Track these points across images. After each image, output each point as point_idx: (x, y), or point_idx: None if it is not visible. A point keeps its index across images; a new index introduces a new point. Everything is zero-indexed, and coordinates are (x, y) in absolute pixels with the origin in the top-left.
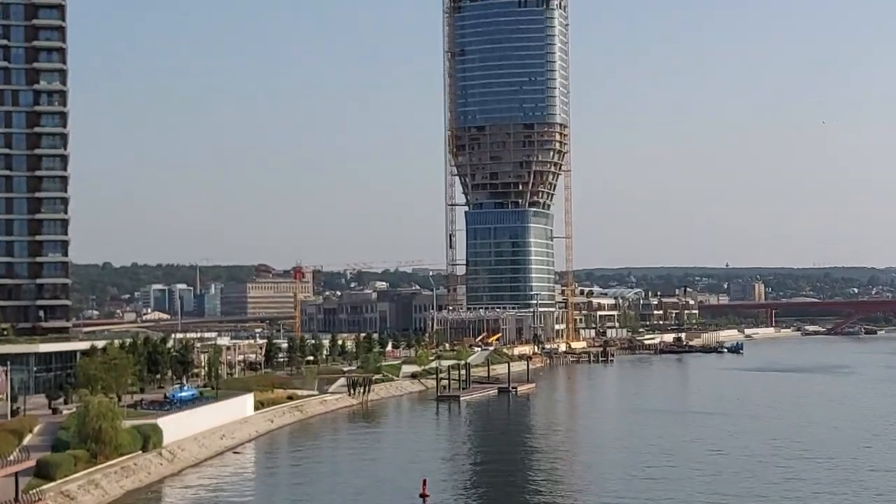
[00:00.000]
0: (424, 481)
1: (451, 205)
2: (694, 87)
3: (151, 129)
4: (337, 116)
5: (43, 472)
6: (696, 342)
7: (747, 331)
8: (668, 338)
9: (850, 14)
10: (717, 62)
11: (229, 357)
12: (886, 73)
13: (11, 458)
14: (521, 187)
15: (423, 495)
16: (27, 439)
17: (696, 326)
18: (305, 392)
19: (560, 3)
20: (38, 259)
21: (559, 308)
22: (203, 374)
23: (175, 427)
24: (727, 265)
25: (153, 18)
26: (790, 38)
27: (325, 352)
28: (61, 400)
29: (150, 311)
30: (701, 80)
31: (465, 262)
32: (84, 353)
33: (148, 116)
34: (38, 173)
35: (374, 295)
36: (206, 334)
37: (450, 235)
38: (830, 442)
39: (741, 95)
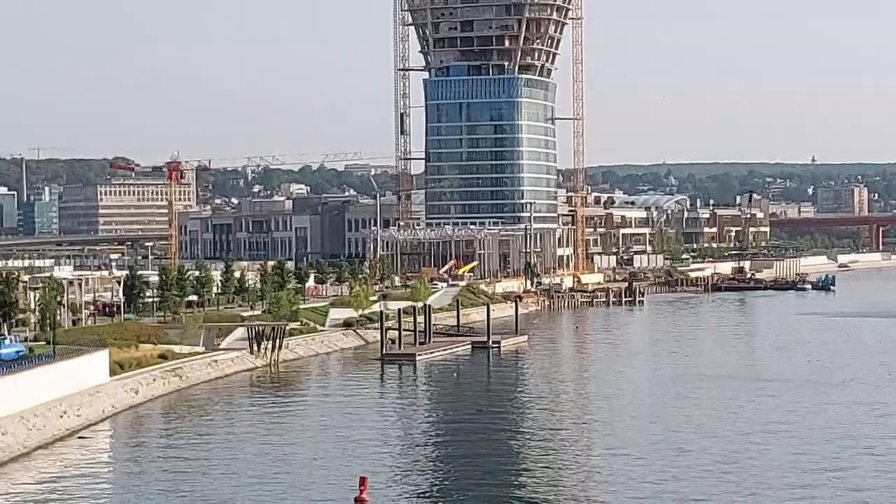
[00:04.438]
0: (363, 480)
1: (403, 70)
2: None
3: None
4: None
5: None
6: (766, 275)
7: (841, 258)
8: (726, 268)
9: None
10: None
11: (72, 297)
12: None
13: None
14: (507, 43)
15: (359, 500)
16: None
17: (766, 251)
18: (186, 349)
19: None
20: None
21: (563, 225)
22: (34, 321)
23: None
24: (813, 160)
25: None
26: None
27: (215, 289)
28: None
29: None
30: None
31: (423, 155)
32: None
33: None
34: None
35: (289, 204)
36: (38, 262)
37: (401, 115)
38: None
39: None
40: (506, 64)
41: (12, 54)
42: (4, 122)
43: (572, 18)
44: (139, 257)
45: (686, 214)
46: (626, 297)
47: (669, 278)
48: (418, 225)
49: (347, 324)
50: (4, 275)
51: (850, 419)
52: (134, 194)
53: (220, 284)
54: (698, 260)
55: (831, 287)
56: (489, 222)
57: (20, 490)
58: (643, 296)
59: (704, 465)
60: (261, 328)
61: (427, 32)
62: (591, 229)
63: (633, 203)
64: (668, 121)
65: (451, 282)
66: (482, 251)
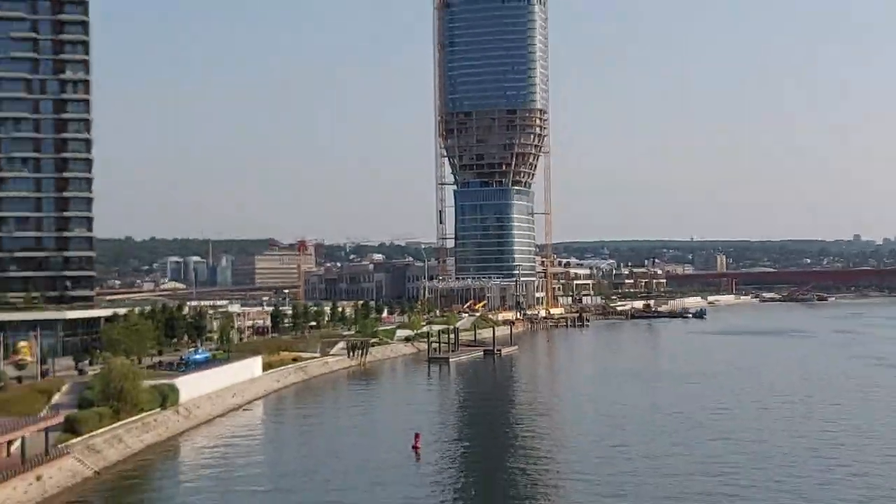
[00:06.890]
0: (417, 435)
1: (441, 184)
2: (656, 80)
3: (164, 118)
4: (340, 106)
5: (70, 428)
6: (663, 308)
7: (710, 298)
8: (639, 304)
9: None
10: (681, 61)
11: (239, 323)
12: (832, 70)
13: (42, 414)
14: (504, 167)
15: (415, 447)
16: (56, 398)
17: (663, 294)
18: (309, 354)
19: (541, 0)
20: (65, 234)
21: (539, 278)
22: (216, 338)
23: (190, 387)
24: (692, 238)
25: (156, 18)
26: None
27: (326, 318)
28: (87, 362)
29: (166, 281)
30: (660, 75)
31: (454, 236)
32: (107, 319)
33: (157, 106)
34: (64, 155)
35: (371, 266)
36: (219, 302)
37: (440, 212)
38: (782, 388)
39: (698, 86)
40: (504, 180)
41: (190, 165)
42: (201, 216)
43: (544, 152)
44: (281, 299)
45: (614, 272)
46: (577, 322)
47: (604, 310)
48: (451, 278)
49: (407, 339)
50: (198, 310)
51: (716, 398)
52: (278, 261)
53: (329, 315)
54: (622, 299)
55: (704, 316)
56: (494, 277)
57: (216, 435)
58: (588, 321)
59: (631, 425)
60: (354, 342)
61: (455, 160)
62: (556, 281)
63: (581, 265)
64: (604, 212)
65: (470, 313)
66: (490, 295)
